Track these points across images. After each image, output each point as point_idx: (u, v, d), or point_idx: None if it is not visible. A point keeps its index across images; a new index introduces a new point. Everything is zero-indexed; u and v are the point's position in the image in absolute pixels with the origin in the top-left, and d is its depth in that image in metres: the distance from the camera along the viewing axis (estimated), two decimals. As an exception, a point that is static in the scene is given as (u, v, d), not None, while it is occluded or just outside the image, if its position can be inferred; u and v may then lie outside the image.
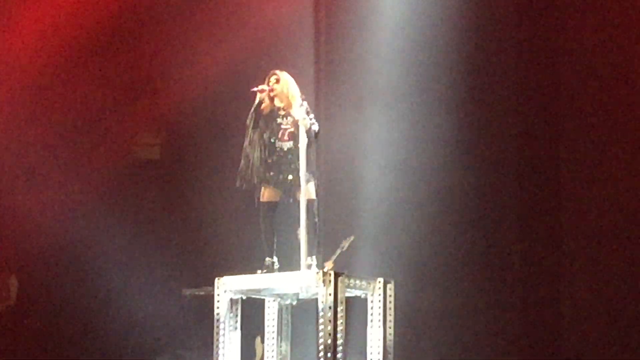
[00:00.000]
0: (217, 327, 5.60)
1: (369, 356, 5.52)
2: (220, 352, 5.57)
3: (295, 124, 5.58)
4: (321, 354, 5.10)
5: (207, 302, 5.92)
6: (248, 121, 5.77)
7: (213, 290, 5.66)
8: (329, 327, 5.08)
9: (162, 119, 9.28)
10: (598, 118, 7.60)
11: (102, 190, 8.99)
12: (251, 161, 5.75)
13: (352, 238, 5.89)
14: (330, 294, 5.11)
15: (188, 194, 8.92)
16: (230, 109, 8.05)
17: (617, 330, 7.21)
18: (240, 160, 5.80)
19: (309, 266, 5.43)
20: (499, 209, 7.60)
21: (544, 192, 7.66)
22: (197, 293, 8.04)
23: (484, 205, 7.64)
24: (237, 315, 5.71)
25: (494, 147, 7.72)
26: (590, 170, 7.51)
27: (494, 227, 7.59)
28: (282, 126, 5.68)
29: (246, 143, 5.78)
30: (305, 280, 5.29)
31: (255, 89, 5.76)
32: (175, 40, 8.95)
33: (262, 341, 6.06)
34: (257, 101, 5.75)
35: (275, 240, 5.79)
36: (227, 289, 5.59)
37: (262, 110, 5.73)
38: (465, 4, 7.82)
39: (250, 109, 5.74)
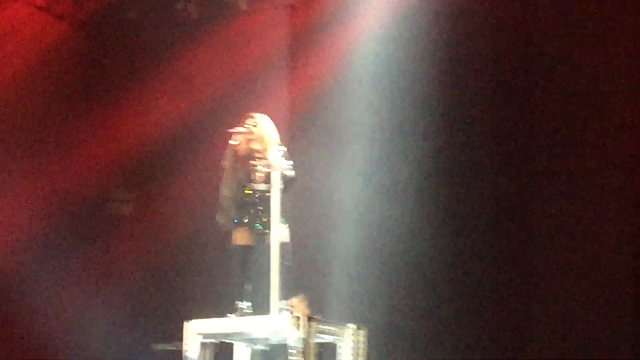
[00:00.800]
0: (188, 374, 5.55)
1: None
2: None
3: (271, 167, 5.61)
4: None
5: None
6: (223, 162, 5.80)
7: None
8: (300, 371, 5.05)
9: (133, 164, 9.33)
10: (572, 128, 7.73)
11: (70, 241, 8.98)
12: (226, 202, 5.78)
13: None
14: (301, 338, 5.09)
15: (158, 239, 8.89)
16: (199, 153, 8.13)
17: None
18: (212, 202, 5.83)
19: (280, 310, 5.39)
20: (470, 254, 7.66)
21: (518, 233, 7.78)
22: (167, 348, 7.97)
23: (456, 251, 7.69)
24: (208, 359, 5.68)
25: (465, 192, 7.80)
26: (564, 189, 7.63)
27: (466, 273, 7.62)
28: (257, 168, 5.70)
29: (222, 184, 5.80)
30: (276, 324, 5.26)
31: (232, 130, 5.81)
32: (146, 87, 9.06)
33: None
34: (233, 143, 5.80)
35: (249, 285, 5.74)
36: (197, 332, 5.55)
37: (238, 152, 5.77)
38: (434, 43, 7.94)
39: (222, 152, 5.79)
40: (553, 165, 7.70)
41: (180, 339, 5.65)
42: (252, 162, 5.74)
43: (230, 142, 5.79)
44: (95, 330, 8.69)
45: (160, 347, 8.13)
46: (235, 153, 5.81)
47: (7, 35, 8.97)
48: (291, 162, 5.70)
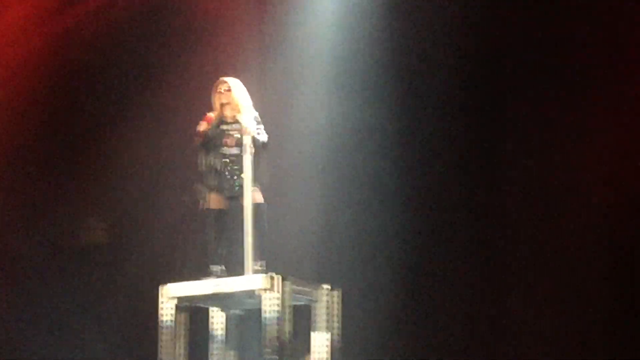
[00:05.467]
0: (162, 334, 5.61)
1: (313, 360, 5.59)
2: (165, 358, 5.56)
3: (242, 131, 5.66)
4: (266, 357, 5.16)
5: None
6: (197, 128, 5.83)
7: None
8: (275, 329, 5.14)
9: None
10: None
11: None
12: (200, 169, 5.82)
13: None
14: (277, 298, 5.18)
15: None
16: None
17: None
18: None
19: (256, 271, 5.46)
20: (442, 213, 7.91)
21: (488, 188, 8.03)
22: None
23: (426, 208, 7.97)
24: (183, 324, 5.73)
25: (438, 151, 8.06)
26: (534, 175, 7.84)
27: (439, 231, 7.88)
28: (228, 132, 5.75)
29: (197, 149, 5.84)
30: (251, 284, 5.31)
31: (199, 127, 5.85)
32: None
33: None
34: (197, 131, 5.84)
35: (222, 249, 5.81)
36: (171, 296, 5.60)
37: (212, 117, 5.81)
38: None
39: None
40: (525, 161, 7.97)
41: (156, 302, 5.68)
42: (225, 127, 5.79)
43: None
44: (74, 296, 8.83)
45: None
46: (203, 131, 5.85)
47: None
48: (262, 127, 5.79)
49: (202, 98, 6.16)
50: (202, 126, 5.82)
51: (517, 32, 7.99)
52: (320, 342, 5.59)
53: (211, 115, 5.84)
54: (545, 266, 7.67)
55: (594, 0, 7.70)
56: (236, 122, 5.75)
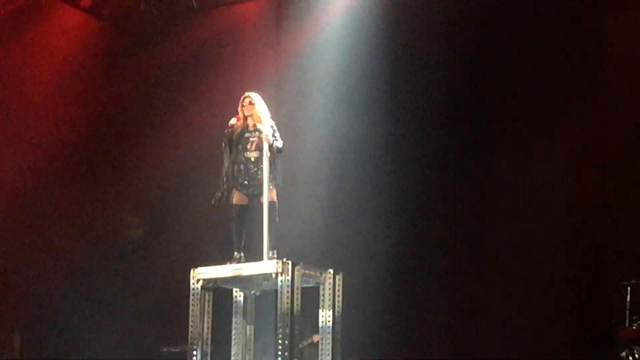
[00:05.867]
0: (192, 310, 6.56)
1: (320, 334, 6.57)
2: (194, 329, 6.57)
3: (261, 137, 6.59)
4: (280, 329, 6.07)
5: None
6: (223, 144, 6.79)
7: (188, 348, 6.61)
8: (286, 306, 6.07)
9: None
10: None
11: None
12: (224, 172, 6.78)
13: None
14: (288, 280, 6.14)
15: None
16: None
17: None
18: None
19: (271, 258, 6.41)
20: (426, 213, 9.03)
21: (472, 185, 9.04)
22: (173, 350, 9.22)
23: (414, 205, 9.05)
24: (209, 301, 6.72)
25: (426, 158, 9.15)
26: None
27: (423, 228, 8.99)
28: (250, 139, 6.67)
29: (224, 164, 6.77)
30: (267, 269, 6.26)
31: (231, 121, 6.82)
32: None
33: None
34: (229, 124, 6.80)
35: (244, 238, 6.75)
36: (200, 278, 6.56)
37: (234, 131, 6.77)
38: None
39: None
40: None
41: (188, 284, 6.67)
42: (247, 134, 6.72)
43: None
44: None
45: (167, 349, 9.45)
46: (230, 132, 6.78)
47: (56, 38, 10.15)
48: (278, 134, 6.73)
49: (228, 109, 7.13)
50: (233, 121, 6.78)
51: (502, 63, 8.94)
52: (326, 318, 6.52)
53: (240, 116, 6.83)
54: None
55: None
56: (257, 130, 6.66)
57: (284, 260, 6.19)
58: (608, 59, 8.45)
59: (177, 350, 8.90)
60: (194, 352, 6.56)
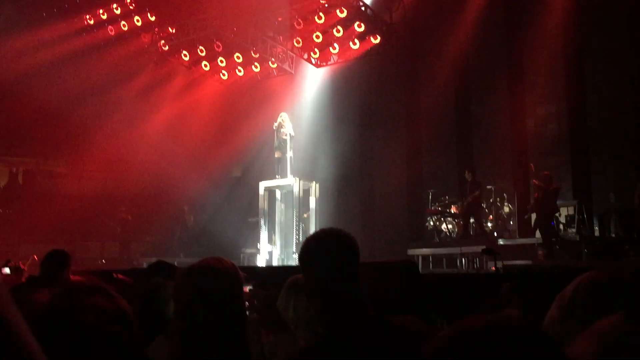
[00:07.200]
0: (261, 202, 16.77)
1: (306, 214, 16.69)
2: (262, 210, 16.80)
3: (287, 135, 16.62)
4: (295, 212, 16.27)
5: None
6: (275, 141, 16.84)
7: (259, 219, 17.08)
8: (297, 198, 16.25)
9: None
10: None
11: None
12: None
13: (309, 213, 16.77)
14: (298, 186, 16.27)
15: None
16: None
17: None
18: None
19: (293, 179, 16.48)
20: None
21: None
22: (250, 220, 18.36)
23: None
24: (267, 199, 16.84)
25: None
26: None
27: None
28: (283, 137, 16.63)
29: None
30: (289, 181, 16.38)
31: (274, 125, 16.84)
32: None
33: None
34: (276, 125, 16.83)
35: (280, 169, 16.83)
36: (264, 186, 16.74)
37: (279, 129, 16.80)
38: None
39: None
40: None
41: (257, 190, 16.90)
42: (281, 131, 16.76)
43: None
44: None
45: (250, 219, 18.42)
46: (278, 127, 16.75)
47: (202, 103, 18.62)
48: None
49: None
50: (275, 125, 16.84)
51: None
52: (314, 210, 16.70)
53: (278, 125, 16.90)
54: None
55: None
56: (286, 136, 16.68)
57: (295, 178, 16.30)
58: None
59: (255, 220, 17.46)
60: (262, 220, 16.67)
